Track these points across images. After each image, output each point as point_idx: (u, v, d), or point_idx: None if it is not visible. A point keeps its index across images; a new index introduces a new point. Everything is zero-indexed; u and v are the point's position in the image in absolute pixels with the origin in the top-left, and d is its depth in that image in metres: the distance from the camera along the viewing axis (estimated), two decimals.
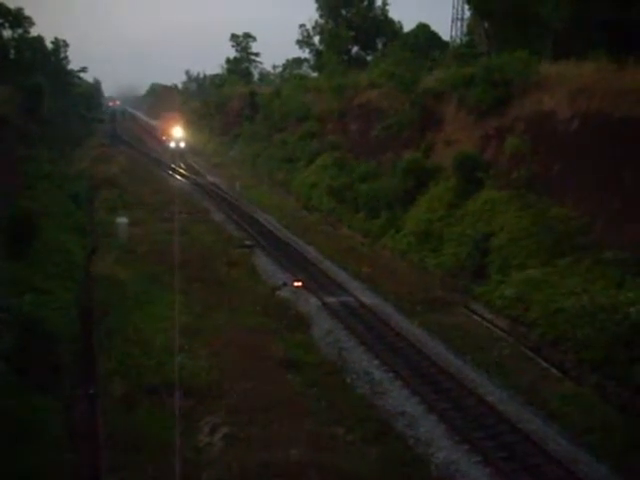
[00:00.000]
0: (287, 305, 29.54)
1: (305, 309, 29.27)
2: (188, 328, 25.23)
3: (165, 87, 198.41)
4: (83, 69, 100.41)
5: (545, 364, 23.25)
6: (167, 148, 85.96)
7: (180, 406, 19.56)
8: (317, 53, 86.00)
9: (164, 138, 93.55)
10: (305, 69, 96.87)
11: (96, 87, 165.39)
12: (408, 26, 76.25)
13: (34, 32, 75.71)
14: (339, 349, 25.17)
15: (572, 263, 25.64)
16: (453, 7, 64.58)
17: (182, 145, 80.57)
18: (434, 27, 68.02)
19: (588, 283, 23.94)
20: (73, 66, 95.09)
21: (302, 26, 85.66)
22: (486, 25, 48.69)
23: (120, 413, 19.12)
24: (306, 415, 19.56)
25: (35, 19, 72.56)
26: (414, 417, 20.15)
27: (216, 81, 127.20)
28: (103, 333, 24.73)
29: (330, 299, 30.60)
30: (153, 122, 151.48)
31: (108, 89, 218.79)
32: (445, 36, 67.45)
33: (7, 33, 70.88)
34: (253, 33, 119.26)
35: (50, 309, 23.30)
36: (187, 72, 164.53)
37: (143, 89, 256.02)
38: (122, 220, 40.04)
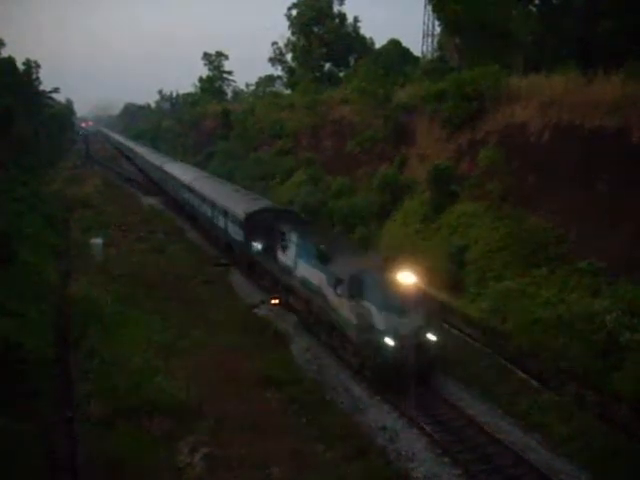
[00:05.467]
0: (265, 323, 29.43)
1: (283, 326, 29.17)
2: (166, 348, 25.07)
3: (140, 107, 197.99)
4: (55, 90, 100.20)
5: (524, 375, 23.34)
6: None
7: (159, 427, 19.41)
8: (290, 70, 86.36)
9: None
10: (278, 86, 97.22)
11: (68, 108, 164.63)
12: (380, 42, 76.94)
13: (5, 53, 75.53)
14: (318, 366, 25.12)
15: (548, 273, 25.84)
16: (424, 23, 65.34)
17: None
18: (405, 43, 68.70)
19: (564, 293, 24.13)
20: (45, 86, 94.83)
21: (274, 44, 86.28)
22: (456, 40, 49.18)
23: (98, 435, 18.89)
24: (287, 433, 19.48)
25: (5, 39, 72.49)
26: (395, 432, 20.14)
27: (189, 100, 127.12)
28: (80, 355, 24.48)
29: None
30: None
31: (81, 109, 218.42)
32: (416, 51, 68.20)
33: None
34: (225, 51, 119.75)
35: (26, 332, 23.00)
36: (160, 91, 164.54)
37: (117, 109, 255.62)
38: (97, 241, 39.76)
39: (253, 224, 35.15)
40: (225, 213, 40.50)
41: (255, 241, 34.57)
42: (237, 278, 37.39)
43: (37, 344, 22.74)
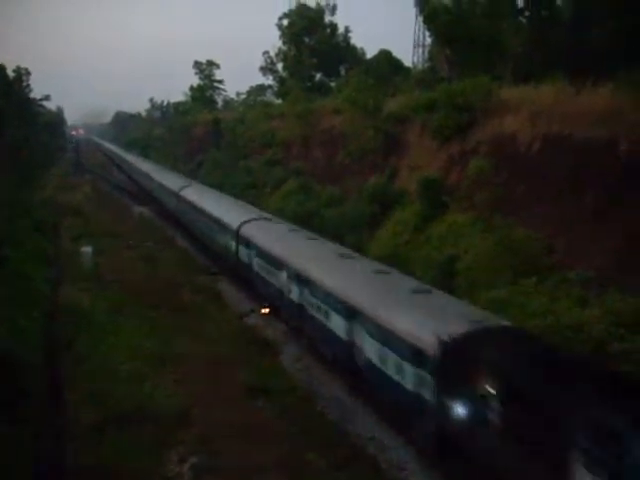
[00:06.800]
0: (255, 331, 29.43)
1: (273, 335, 29.15)
2: (156, 356, 25.03)
3: (131, 115, 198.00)
4: (46, 97, 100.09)
5: None
6: None
7: (148, 435, 19.35)
8: (281, 80, 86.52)
9: None
10: (269, 96, 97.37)
11: (59, 115, 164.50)
12: (371, 52, 77.23)
13: None
14: (308, 376, 25.13)
15: (537, 283, 25.89)
16: (414, 33, 65.72)
17: None
18: (396, 53, 68.99)
19: (553, 303, 24.17)
20: (35, 92, 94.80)
21: (265, 53, 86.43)
22: (447, 51, 49.43)
23: (89, 442, 18.82)
24: (277, 442, 19.43)
25: None
26: (383, 442, 20.15)
27: (180, 109, 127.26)
28: (70, 362, 24.40)
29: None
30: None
31: (71, 116, 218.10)
32: (407, 62, 68.50)
33: None
34: (216, 60, 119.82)
35: (16, 339, 22.94)
36: (151, 100, 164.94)
37: (108, 116, 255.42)
38: (87, 249, 39.71)
39: (461, 367, 16.48)
40: (352, 315, 22.45)
41: (461, 403, 16.17)
42: (227, 288, 37.36)
43: (27, 350, 22.67)
